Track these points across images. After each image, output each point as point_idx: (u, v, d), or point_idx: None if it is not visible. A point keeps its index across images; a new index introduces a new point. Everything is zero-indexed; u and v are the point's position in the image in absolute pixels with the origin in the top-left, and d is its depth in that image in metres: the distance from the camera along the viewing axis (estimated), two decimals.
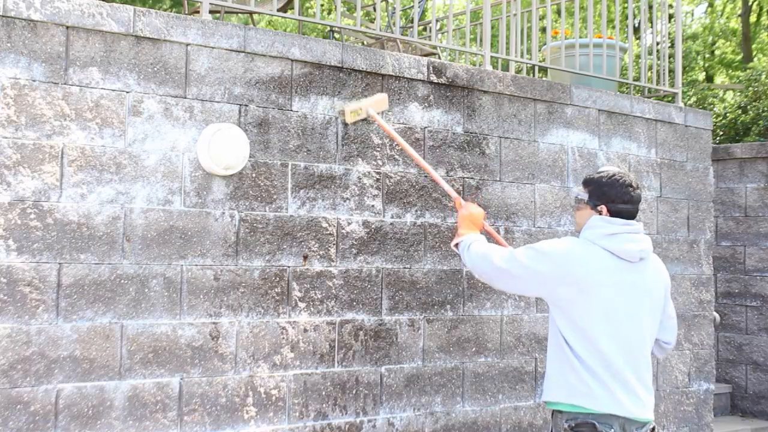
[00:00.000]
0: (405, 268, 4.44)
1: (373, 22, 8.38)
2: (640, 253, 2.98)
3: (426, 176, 4.52)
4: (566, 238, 3.07)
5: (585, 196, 3.10)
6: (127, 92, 3.66)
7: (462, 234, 3.44)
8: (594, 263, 2.93)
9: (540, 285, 3.02)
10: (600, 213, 3.04)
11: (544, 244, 3.03)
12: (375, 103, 4.16)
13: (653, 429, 2.96)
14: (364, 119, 4.23)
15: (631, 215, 3.04)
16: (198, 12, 4.64)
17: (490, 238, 3.85)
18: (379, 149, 4.36)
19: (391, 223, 4.40)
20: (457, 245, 3.43)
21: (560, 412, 2.95)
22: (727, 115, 9.47)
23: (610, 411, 2.84)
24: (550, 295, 3.02)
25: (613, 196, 3.03)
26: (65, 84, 3.53)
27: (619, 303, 2.92)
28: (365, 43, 6.80)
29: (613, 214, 3.02)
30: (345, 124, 4.26)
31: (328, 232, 4.18)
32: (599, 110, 5.33)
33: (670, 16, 12.57)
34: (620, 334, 2.90)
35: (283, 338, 4.01)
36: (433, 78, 4.57)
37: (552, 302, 3.04)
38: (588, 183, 3.13)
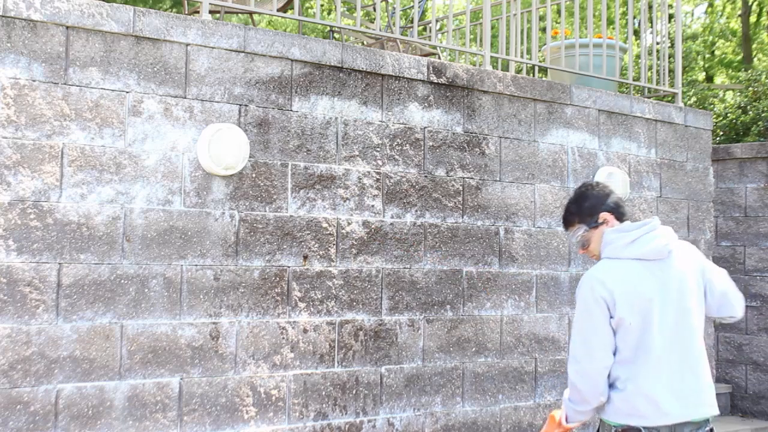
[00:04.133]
0: (405, 268, 4.43)
1: (373, 22, 8.37)
2: (666, 247, 2.89)
3: (426, 176, 4.52)
4: (586, 276, 2.90)
5: (583, 226, 2.96)
6: (127, 92, 3.66)
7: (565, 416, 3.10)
8: (626, 279, 2.84)
9: (609, 330, 2.83)
10: (607, 224, 2.93)
11: (579, 302, 2.90)
12: None
13: (711, 430, 2.86)
14: None
15: (624, 206, 3.00)
16: (198, 12, 4.64)
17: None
18: (379, 149, 4.36)
19: (391, 223, 4.40)
20: (566, 419, 3.08)
21: (608, 423, 2.92)
22: (727, 115, 9.46)
23: (658, 424, 2.81)
24: (617, 327, 2.86)
25: (600, 201, 2.95)
26: (65, 84, 3.53)
27: (662, 303, 2.84)
28: (365, 43, 6.79)
29: (617, 215, 2.94)
30: (345, 124, 4.26)
31: (328, 232, 4.18)
32: (599, 110, 5.33)
33: (670, 16, 12.56)
34: (672, 334, 2.82)
35: (283, 338, 4.01)
36: (433, 78, 4.57)
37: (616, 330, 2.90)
38: (572, 216, 2.99)
